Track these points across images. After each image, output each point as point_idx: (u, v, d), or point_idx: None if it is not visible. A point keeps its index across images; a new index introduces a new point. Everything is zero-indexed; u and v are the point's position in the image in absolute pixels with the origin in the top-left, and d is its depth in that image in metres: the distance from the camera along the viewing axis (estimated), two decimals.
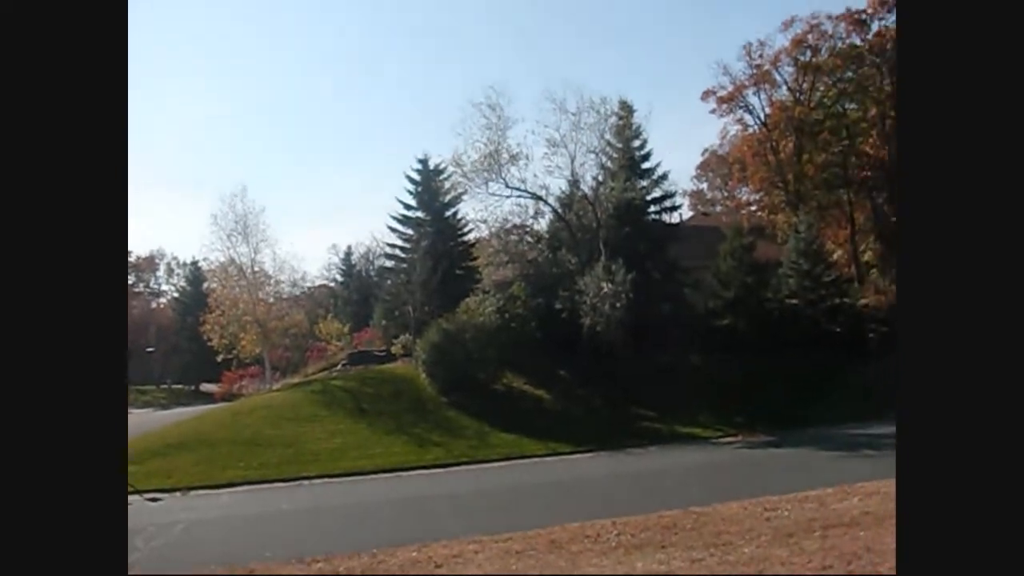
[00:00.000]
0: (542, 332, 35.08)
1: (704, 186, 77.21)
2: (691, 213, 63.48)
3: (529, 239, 40.57)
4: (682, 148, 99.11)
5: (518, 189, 38.43)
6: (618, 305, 33.45)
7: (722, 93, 55.97)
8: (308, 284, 75.13)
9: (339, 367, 41.72)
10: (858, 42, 53.81)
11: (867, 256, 56.46)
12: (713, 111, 57.36)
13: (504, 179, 38.18)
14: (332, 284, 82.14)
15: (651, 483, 20.22)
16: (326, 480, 24.38)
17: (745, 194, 60.41)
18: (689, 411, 31.91)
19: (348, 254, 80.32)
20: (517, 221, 40.39)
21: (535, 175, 42.73)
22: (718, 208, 69.22)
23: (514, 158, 37.94)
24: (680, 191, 73.97)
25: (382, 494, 21.33)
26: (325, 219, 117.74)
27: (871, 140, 53.99)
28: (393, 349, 40.48)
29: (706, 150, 71.04)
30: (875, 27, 53.51)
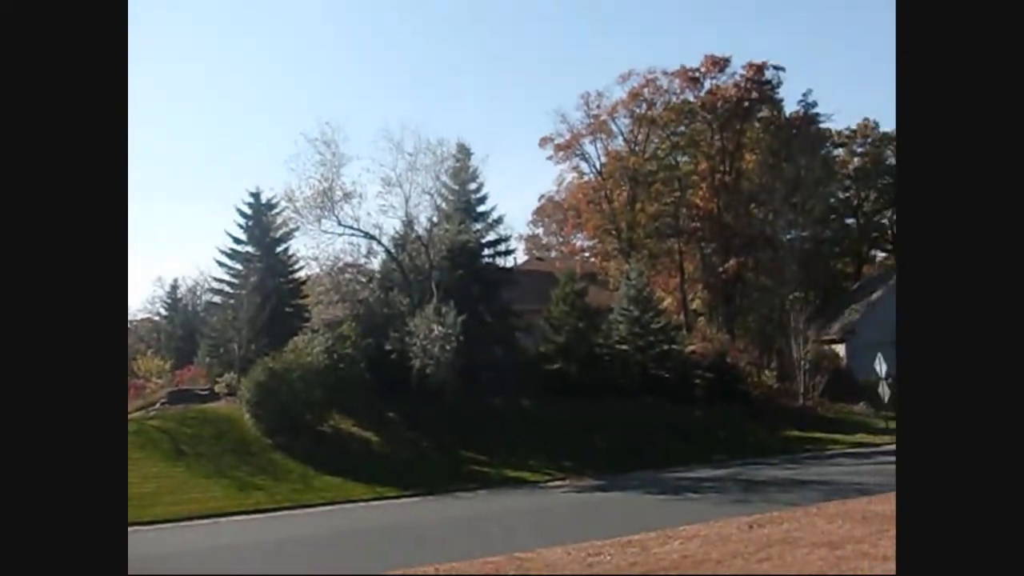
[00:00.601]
0: (372, 373, 34.57)
1: (540, 231, 78.74)
2: (526, 257, 64.48)
3: (361, 278, 40.10)
4: (519, 193, 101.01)
5: (351, 227, 38.03)
6: (448, 348, 33.43)
7: (560, 140, 57.49)
8: (130, 317, 71.80)
9: (157, 406, 39.79)
10: (691, 98, 56.55)
11: (695, 304, 58.79)
12: (550, 158, 58.79)
13: (337, 216, 37.73)
14: (156, 318, 78.81)
15: (477, 528, 20.07)
16: (134, 528, 23.07)
17: (579, 240, 62.01)
18: (519, 455, 32.06)
19: (174, 287, 77.33)
20: (349, 260, 39.92)
21: (369, 214, 42.31)
22: (553, 254, 70.61)
23: (348, 196, 37.57)
24: (516, 235, 75.27)
25: (193, 542, 20.31)
26: (152, 250, 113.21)
27: (701, 192, 56.47)
28: (217, 388, 38.97)
29: (543, 196, 72.52)
30: (707, 85, 56.34)
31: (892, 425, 38.78)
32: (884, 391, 38.90)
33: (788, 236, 51.81)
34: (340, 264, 39.70)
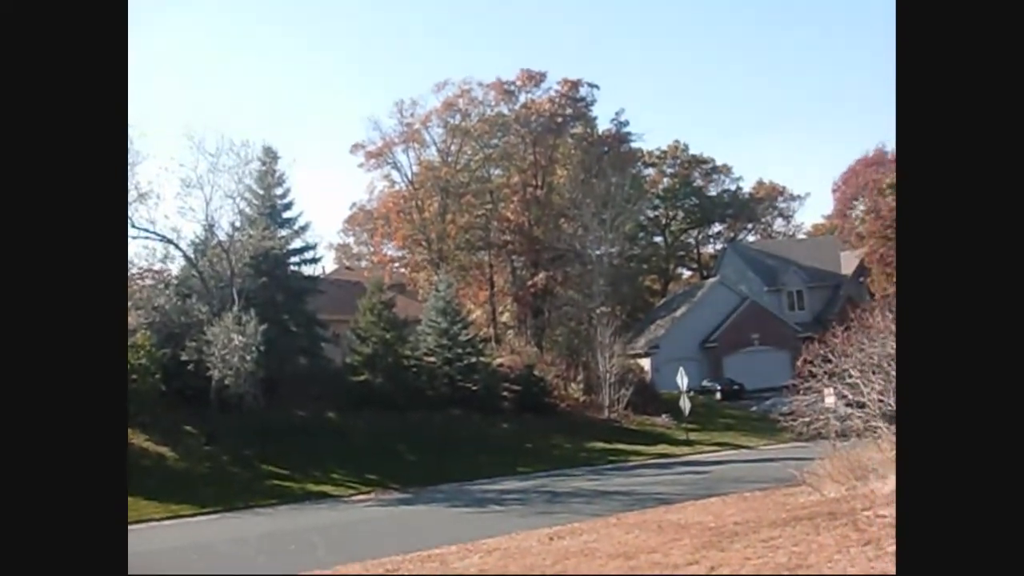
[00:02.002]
0: (167, 385, 33.48)
1: (351, 240, 78.24)
2: (336, 266, 64.04)
3: (157, 285, 38.66)
4: (331, 201, 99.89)
5: (146, 230, 36.58)
6: (249, 358, 32.65)
7: (371, 148, 57.40)
8: None
9: None
10: (506, 111, 57.58)
11: (505, 317, 59.87)
12: (361, 165, 58.59)
13: (131, 218, 36.33)
14: None
15: (275, 546, 19.79)
16: None
17: (390, 250, 61.98)
18: (322, 468, 31.85)
19: None
20: (144, 265, 38.37)
21: (166, 216, 41.06)
22: (364, 263, 70.36)
23: (143, 196, 36.07)
24: (326, 244, 74.64)
25: None
26: None
27: (513, 206, 57.66)
28: None
29: (354, 204, 72.17)
30: (522, 99, 57.57)
31: (692, 436, 40.99)
32: (685, 404, 41.06)
33: (597, 251, 53.65)
34: (134, 269, 38.15)
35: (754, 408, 48.98)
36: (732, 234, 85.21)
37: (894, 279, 62.73)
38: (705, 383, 56.17)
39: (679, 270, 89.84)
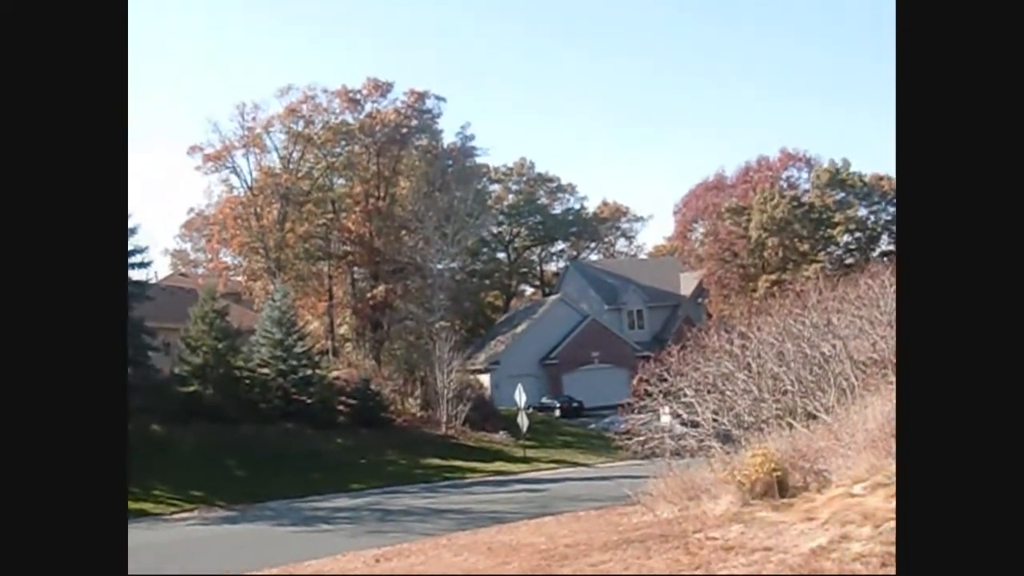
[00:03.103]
0: None
1: (188, 246, 75.57)
2: (170, 272, 61.80)
3: None
4: (167, 204, 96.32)
5: None
6: None
7: (210, 150, 55.50)
8: None
9: None
10: (351, 120, 56.74)
11: (343, 329, 58.90)
12: (199, 168, 56.58)
13: None
14: None
15: None
16: None
17: (228, 257, 60.12)
18: (143, 484, 30.22)
19: None
20: None
21: None
22: (200, 270, 68.03)
23: None
24: (162, 249, 71.85)
25: None
26: None
27: (354, 216, 56.84)
28: None
29: (192, 209, 69.75)
30: (368, 108, 56.85)
31: (530, 454, 41.15)
32: (523, 421, 41.18)
33: (438, 265, 53.47)
34: None
35: (593, 425, 49.68)
36: (575, 252, 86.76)
37: (730, 300, 65.25)
38: (545, 400, 56.69)
39: (522, 287, 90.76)
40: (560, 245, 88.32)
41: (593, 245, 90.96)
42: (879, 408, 14.04)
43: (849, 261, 64.57)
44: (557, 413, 55.00)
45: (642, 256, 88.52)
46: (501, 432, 44.85)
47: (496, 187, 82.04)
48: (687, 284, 72.01)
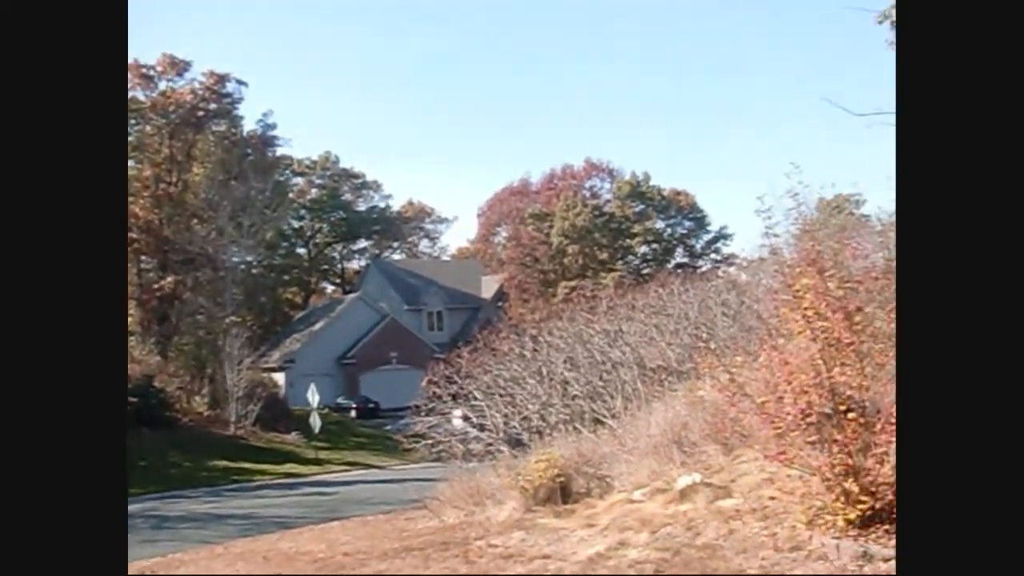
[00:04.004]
0: None
1: None
2: None
3: None
4: None
5: None
6: None
7: None
8: None
9: None
10: (142, 97, 53.64)
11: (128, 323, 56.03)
12: None
13: None
14: None
15: None
16: None
17: None
18: None
19: None
20: None
21: None
22: None
23: None
24: None
25: None
26: None
27: (143, 202, 53.88)
28: None
29: None
30: (162, 86, 54.07)
31: (322, 455, 40.43)
32: (315, 421, 40.37)
33: (233, 258, 51.69)
34: None
35: (388, 427, 49.27)
36: (378, 251, 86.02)
37: (529, 305, 66.30)
38: (340, 400, 55.98)
39: (322, 284, 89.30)
40: (363, 243, 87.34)
41: (396, 244, 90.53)
42: (663, 414, 14.41)
43: (646, 271, 66.75)
44: (353, 414, 54.48)
45: (445, 258, 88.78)
46: (293, 433, 43.96)
47: (299, 180, 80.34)
48: (488, 287, 72.74)
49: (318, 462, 39.79)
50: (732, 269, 46.72)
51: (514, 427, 18.16)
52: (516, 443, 17.62)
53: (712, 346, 13.75)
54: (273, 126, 60.35)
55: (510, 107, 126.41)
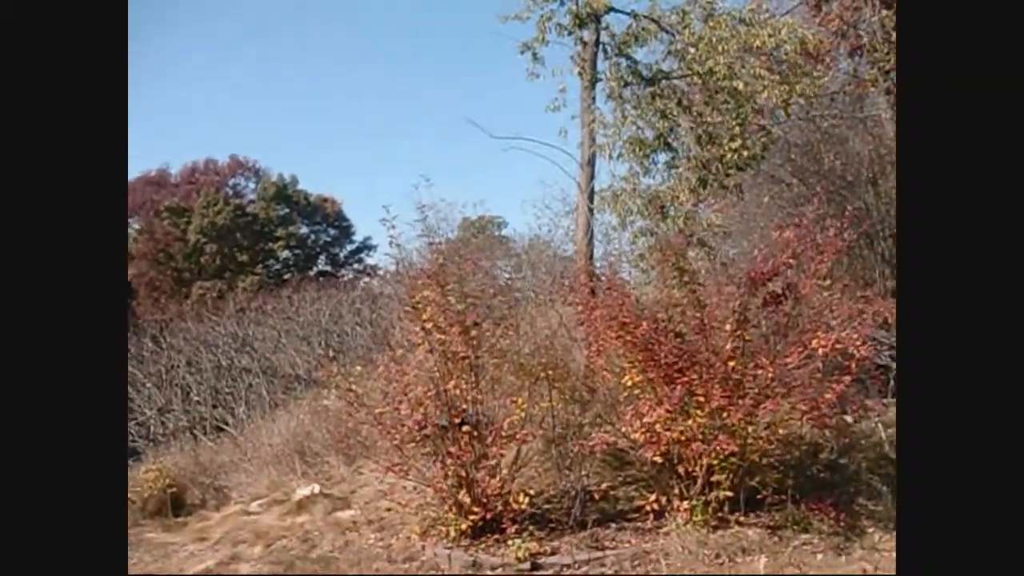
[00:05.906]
0: None
1: None
2: None
3: None
4: None
5: None
6: None
7: None
8: None
9: None
10: None
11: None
12: None
13: None
14: None
15: None
16: None
17: None
18: None
19: None
20: None
21: None
22: None
23: None
24: None
25: None
26: None
27: None
28: None
29: None
30: None
31: None
32: None
33: None
34: None
35: None
36: None
37: (160, 304, 63.30)
38: None
39: None
40: None
41: None
42: (286, 423, 14.28)
43: (287, 276, 65.87)
44: None
45: None
46: None
47: None
48: None
49: None
50: (373, 281, 47.37)
51: (130, 435, 17.24)
52: (132, 453, 16.77)
53: (342, 355, 13.83)
54: None
55: (148, 94, 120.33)
